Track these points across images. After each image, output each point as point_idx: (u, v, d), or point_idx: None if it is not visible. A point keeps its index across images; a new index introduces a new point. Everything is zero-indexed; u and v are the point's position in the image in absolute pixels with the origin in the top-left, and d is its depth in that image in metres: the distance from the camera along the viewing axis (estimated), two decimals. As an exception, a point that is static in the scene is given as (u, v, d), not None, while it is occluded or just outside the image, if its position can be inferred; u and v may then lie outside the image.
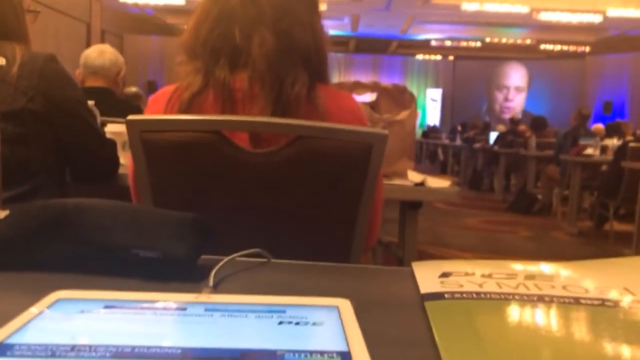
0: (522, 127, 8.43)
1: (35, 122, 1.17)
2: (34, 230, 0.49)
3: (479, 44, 15.00)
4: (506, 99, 16.33)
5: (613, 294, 0.44)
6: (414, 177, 1.49)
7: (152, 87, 11.81)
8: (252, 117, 0.90)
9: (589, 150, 5.17)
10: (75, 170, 1.33)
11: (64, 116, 1.22)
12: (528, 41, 14.35)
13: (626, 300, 0.43)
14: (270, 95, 0.90)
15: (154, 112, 0.95)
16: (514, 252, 4.18)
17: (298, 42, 0.94)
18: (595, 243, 4.63)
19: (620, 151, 4.42)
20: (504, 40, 14.47)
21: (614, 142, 5.48)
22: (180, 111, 0.91)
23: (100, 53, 2.45)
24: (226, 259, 0.50)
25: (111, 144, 1.42)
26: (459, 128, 11.80)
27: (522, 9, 10.53)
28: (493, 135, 8.51)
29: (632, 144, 4.36)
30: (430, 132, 14.38)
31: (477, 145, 8.84)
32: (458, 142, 10.56)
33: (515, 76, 16.28)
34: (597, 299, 0.43)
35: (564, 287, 0.46)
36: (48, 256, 0.49)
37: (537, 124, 7.11)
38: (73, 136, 1.26)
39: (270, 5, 0.94)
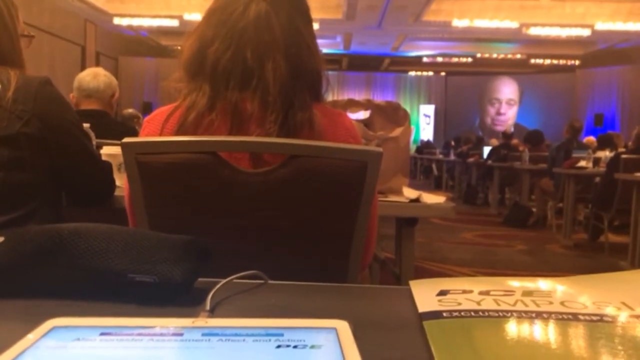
0: (515, 141, 8.48)
1: (31, 146, 1.17)
2: (29, 256, 0.49)
3: (470, 59, 15.16)
4: (498, 113, 16.48)
5: (611, 309, 0.44)
6: (409, 193, 1.49)
7: (147, 108, 11.85)
8: (247, 137, 0.90)
9: (582, 163, 5.20)
10: (70, 193, 1.33)
11: (59, 139, 1.22)
12: (518, 56, 14.52)
13: (624, 315, 0.43)
14: (279, 119, 0.91)
15: (149, 133, 0.95)
16: (510, 266, 4.17)
17: (305, 67, 0.96)
18: (590, 255, 4.63)
19: (613, 163, 4.44)
20: (494, 56, 14.64)
21: (606, 154, 5.51)
22: (182, 131, 0.91)
23: (94, 76, 2.46)
24: (223, 281, 0.49)
25: (107, 167, 1.42)
26: (452, 143, 11.87)
27: (512, 24, 10.68)
28: (486, 150, 8.55)
29: (624, 156, 4.39)
30: (424, 147, 14.44)
31: (471, 159, 8.88)
32: (452, 157, 10.61)
33: (506, 90, 16.44)
34: (596, 315, 0.43)
35: (562, 303, 0.46)
36: (43, 282, 0.49)
37: (533, 138, 7.12)
38: (69, 159, 1.26)
39: (282, 30, 0.94)
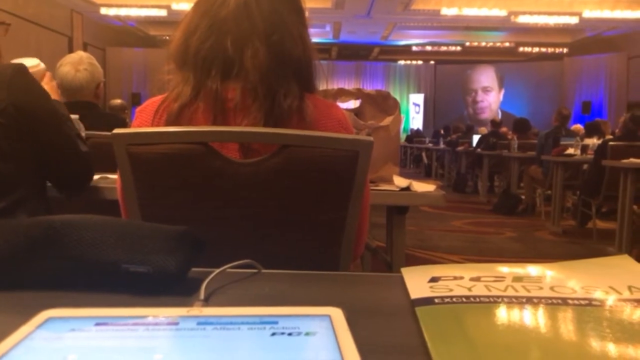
0: (504, 129, 8.52)
1: (9, 135, 1.15)
2: (22, 248, 0.49)
3: (459, 48, 15.17)
4: (474, 101, 16.63)
5: (599, 294, 0.45)
6: (400, 182, 1.49)
7: (136, 99, 11.74)
8: (238, 127, 0.90)
9: (570, 150, 5.24)
10: (50, 179, 1.31)
11: (37, 127, 1.19)
12: (507, 44, 14.55)
13: (612, 299, 0.44)
14: (263, 107, 0.91)
15: (141, 123, 0.95)
16: (499, 253, 4.21)
17: (289, 54, 0.95)
18: (579, 241, 4.68)
19: (601, 150, 4.48)
20: (483, 44, 14.66)
21: (594, 141, 5.55)
22: (169, 122, 0.91)
23: (75, 71, 2.31)
24: (217, 271, 0.50)
25: (87, 153, 1.39)
26: (442, 131, 11.90)
27: (500, 13, 10.69)
28: (475, 138, 8.59)
29: (611, 143, 4.43)
30: (414, 136, 14.48)
31: (460, 148, 8.91)
32: (441, 145, 10.65)
33: (481, 78, 16.58)
34: (584, 299, 0.44)
35: (552, 288, 0.47)
36: (37, 274, 0.49)
37: (520, 126, 7.18)
38: (48, 146, 1.23)
39: (262, 18, 0.94)
